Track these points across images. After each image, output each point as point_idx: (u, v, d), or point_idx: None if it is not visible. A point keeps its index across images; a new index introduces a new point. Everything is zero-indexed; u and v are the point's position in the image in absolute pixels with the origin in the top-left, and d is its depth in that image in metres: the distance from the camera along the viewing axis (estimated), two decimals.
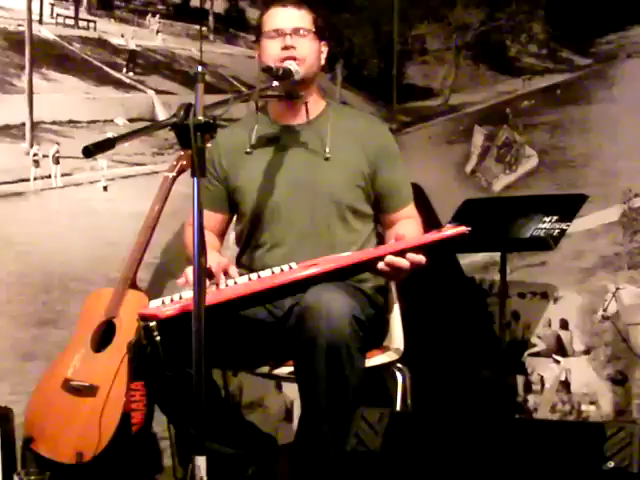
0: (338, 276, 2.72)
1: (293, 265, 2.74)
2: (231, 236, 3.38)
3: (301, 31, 3.00)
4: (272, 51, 2.99)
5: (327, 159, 3.05)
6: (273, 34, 3.00)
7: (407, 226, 3.06)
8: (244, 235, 3.16)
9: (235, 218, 3.24)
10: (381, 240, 3.19)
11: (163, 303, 2.65)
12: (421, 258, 2.67)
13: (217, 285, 2.73)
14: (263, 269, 2.90)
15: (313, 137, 3.09)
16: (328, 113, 3.14)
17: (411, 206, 3.17)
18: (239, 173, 3.12)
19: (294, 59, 2.96)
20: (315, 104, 3.13)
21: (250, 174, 3.09)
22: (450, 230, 2.69)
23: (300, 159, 3.07)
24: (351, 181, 3.06)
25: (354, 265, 2.71)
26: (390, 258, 2.66)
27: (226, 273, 2.79)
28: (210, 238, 3.05)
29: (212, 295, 2.58)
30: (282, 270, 2.73)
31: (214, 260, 2.73)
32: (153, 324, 2.57)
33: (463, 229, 2.67)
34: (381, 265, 2.67)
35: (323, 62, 3.15)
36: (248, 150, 3.12)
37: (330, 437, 2.68)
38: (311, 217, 3.04)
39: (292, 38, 2.97)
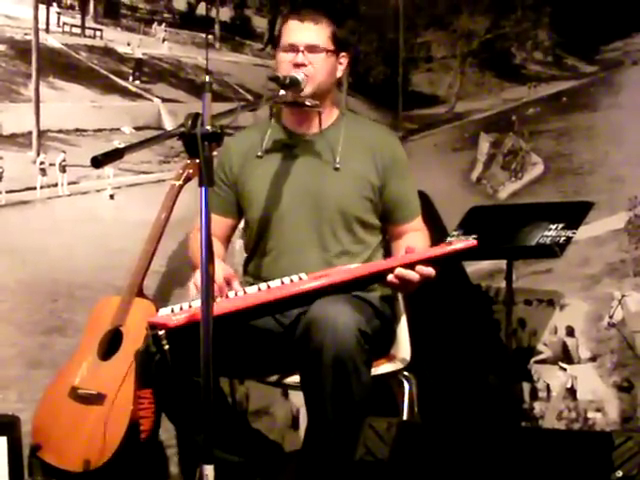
0: (347, 288, 2.72)
1: (303, 276, 2.74)
2: (237, 243, 3.38)
3: (315, 48, 3.00)
4: (285, 65, 3.00)
5: (337, 169, 3.06)
6: (287, 48, 3.02)
7: (414, 239, 3.07)
8: (251, 242, 3.17)
9: (243, 225, 3.25)
10: (388, 252, 3.20)
11: (172, 311, 2.65)
12: (430, 271, 2.67)
13: (226, 295, 2.74)
14: (269, 277, 2.91)
15: (324, 147, 3.10)
16: (341, 123, 3.15)
17: (419, 219, 3.18)
18: (249, 178, 3.13)
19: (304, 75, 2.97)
20: (328, 114, 3.14)
21: (259, 181, 3.10)
22: (460, 243, 2.70)
23: (309, 168, 3.08)
24: (359, 192, 3.07)
25: (363, 277, 2.71)
26: (400, 270, 2.66)
27: (229, 283, 2.79)
28: (215, 245, 3.05)
29: (221, 305, 2.59)
30: (292, 281, 2.73)
31: (218, 269, 2.73)
32: (162, 333, 2.58)
33: (472, 242, 2.69)
34: (390, 277, 2.67)
35: (341, 73, 3.16)
36: (259, 154, 3.13)
37: (336, 448, 2.69)
38: (317, 227, 3.05)
39: (305, 55, 2.99)
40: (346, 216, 3.07)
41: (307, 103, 3.00)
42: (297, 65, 2.98)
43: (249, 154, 3.17)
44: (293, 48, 3.01)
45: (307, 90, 2.99)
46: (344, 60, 3.14)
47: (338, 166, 3.07)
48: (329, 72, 3.07)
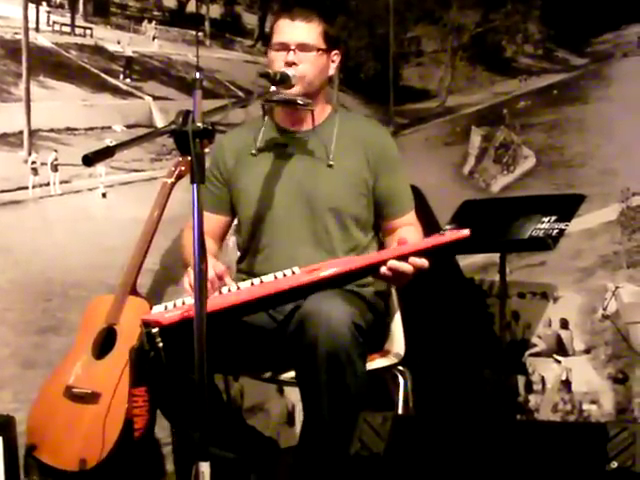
0: (340, 281, 2.71)
1: (296, 270, 2.73)
2: (230, 241, 3.38)
3: (306, 47, 2.99)
4: (276, 64, 3.00)
5: (330, 166, 3.06)
6: (278, 47, 3.01)
7: (407, 233, 3.06)
8: (244, 240, 3.17)
9: (236, 223, 3.25)
10: (382, 248, 3.19)
11: (166, 308, 2.65)
12: (423, 262, 2.66)
13: (219, 290, 2.74)
14: (262, 274, 2.90)
15: (317, 144, 3.10)
16: (334, 119, 3.15)
17: (411, 214, 3.17)
18: (242, 176, 3.13)
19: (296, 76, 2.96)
20: (321, 111, 3.14)
21: (252, 178, 3.10)
22: (452, 234, 2.68)
23: (303, 166, 3.08)
24: (353, 189, 3.07)
25: (356, 270, 2.70)
26: (392, 262, 2.65)
27: (221, 279, 2.79)
28: (208, 243, 3.05)
29: (214, 301, 2.59)
30: (285, 275, 2.72)
31: (210, 265, 2.73)
32: (155, 330, 2.57)
33: (465, 233, 2.66)
34: (383, 269, 2.66)
35: (333, 72, 3.15)
36: (253, 152, 3.13)
37: (333, 443, 2.69)
38: (310, 224, 3.05)
39: (296, 54, 2.98)
40: (339, 213, 3.07)
41: (299, 102, 2.99)
42: (288, 64, 2.97)
43: (243, 152, 3.16)
44: (284, 47, 3.00)
45: (298, 89, 2.98)
46: (336, 58, 3.13)
47: (331, 163, 3.06)
48: (320, 70, 3.06)
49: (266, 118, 3.20)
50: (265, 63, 3.12)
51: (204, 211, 2.96)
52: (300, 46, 2.99)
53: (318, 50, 3.03)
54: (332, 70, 3.14)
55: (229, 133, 3.28)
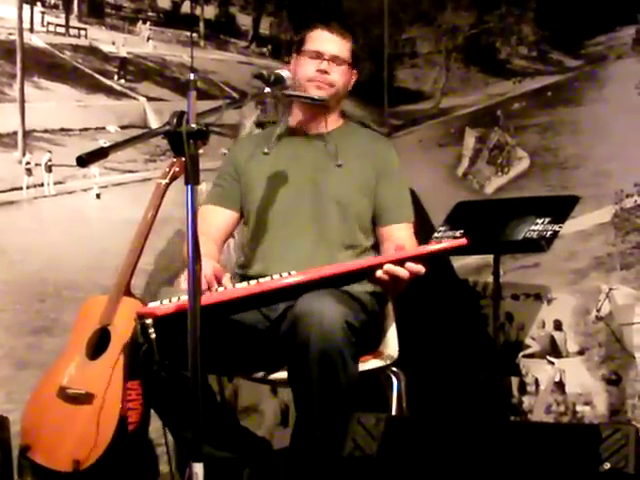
0: (335, 283, 2.72)
1: (293, 273, 2.74)
2: (230, 242, 3.39)
3: (339, 60, 3.15)
4: (307, 70, 3.14)
5: (339, 166, 3.16)
6: (313, 54, 3.15)
7: (404, 242, 3.07)
8: (248, 237, 3.20)
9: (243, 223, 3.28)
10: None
11: (161, 303, 2.66)
12: (420, 268, 2.66)
13: (216, 290, 2.74)
14: (261, 265, 2.96)
15: (329, 146, 3.20)
16: (346, 129, 3.29)
17: (408, 226, 3.20)
18: (252, 172, 3.22)
19: (325, 83, 3.12)
20: (335, 120, 3.28)
21: (261, 173, 3.19)
22: (450, 242, 2.71)
23: (313, 163, 3.18)
24: (359, 190, 3.16)
25: (352, 272, 2.71)
26: (389, 266, 2.65)
27: (219, 280, 2.79)
28: (209, 246, 3.06)
29: (209, 296, 2.61)
30: (281, 276, 2.74)
31: (208, 267, 2.73)
32: (149, 321, 2.59)
33: (462, 241, 2.67)
34: (379, 273, 2.67)
35: (350, 88, 3.28)
36: (266, 150, 3.24)
37: (324, 442, 2.69)
38: (313, 215, 3.13)
39: (329, 64, 3.13)
40: (344, 210, 3.13)
41: (316, 97, 3.09)
42: (321, 71, 3.12)
43: (257, 150, 3.26)
44: (319, 55, 3.14)
45: (326, 95, 3.12)
46: (354, 77, 3.27)
47: (340, 163, 3.17)
48: (345, 83, 3.22)
49: (282, 119, 3.32)
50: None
51: (214, 205, 3.08)
52: (333, 58, 3.15)
53: (347, 64, 3.18)
54: (350, 86, 3.28)
55: (251, 134, 3.36)
